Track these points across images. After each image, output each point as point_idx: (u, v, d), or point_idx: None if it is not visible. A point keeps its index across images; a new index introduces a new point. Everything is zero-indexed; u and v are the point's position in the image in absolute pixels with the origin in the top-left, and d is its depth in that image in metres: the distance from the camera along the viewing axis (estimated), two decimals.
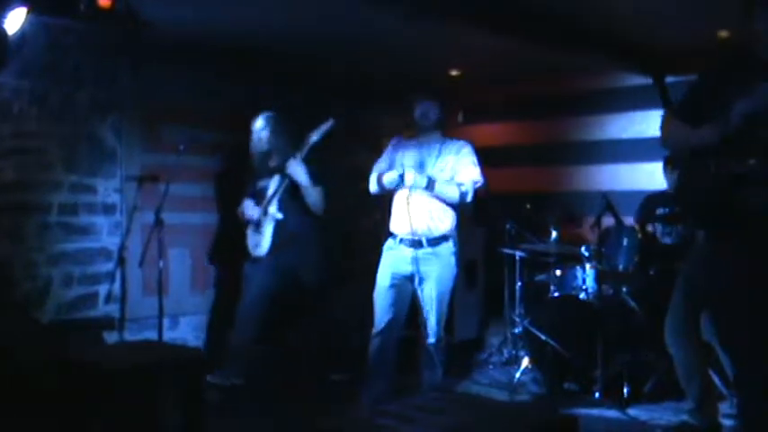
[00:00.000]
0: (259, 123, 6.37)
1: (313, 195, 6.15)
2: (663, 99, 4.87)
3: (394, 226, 5.45)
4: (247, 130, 6.44)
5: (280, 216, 6.13)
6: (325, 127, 5.97)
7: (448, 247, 5.39)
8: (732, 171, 3.76)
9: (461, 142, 5.49)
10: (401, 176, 5.28)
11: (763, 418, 3.97)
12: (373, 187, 5.51)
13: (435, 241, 5.32)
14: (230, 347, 6.23)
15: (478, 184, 5.43)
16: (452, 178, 5.35)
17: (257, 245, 6.24)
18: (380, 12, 5.56)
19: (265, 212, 6.20)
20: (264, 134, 6.34)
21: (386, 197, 5.56)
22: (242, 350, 6.17)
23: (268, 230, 6.18)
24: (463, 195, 5.35)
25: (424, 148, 5.45)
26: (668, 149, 4.89)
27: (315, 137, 5.98)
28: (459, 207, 5.45)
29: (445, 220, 5.36)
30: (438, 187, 5.27)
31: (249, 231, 6.37)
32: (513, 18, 5.89)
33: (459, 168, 5.37)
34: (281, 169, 6.16)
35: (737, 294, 3.99)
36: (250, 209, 6.35)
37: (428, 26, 6.10)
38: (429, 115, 5.44)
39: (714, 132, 3.84)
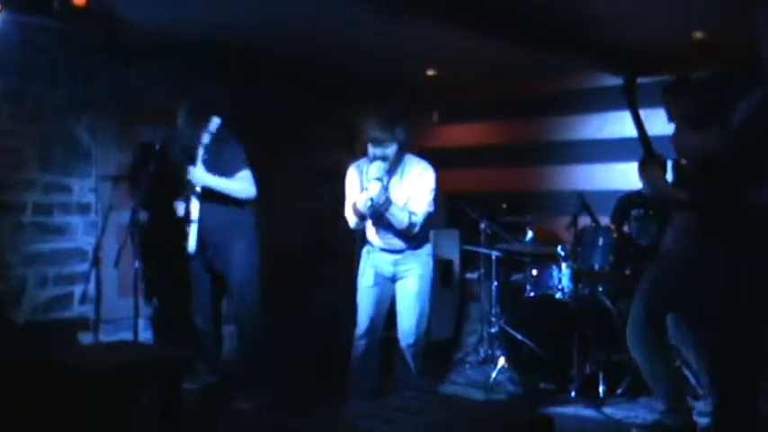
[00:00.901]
0: (184, 115, 5.86)
1: (232, 187, 5.81)
2: (628, 100, 4.87)
3: (372, 238, 5.43)
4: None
5: (195, 217, 5.82)
6: (211, 127, 5.70)
7: (426, 249, 5.42)
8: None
9: (424, 165, 5.32)
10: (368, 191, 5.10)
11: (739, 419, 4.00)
12: (351, 220, 5.33)
13: (415, 246, 5.34)
14: (200, 346, 6.19)
15: (430, 215, 5.31)
16: (406, 203, 5.24)
17: (188, 243, 5.91)
18: (357, 11, 5.56)
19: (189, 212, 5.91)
20: (184, 127, 5.87)
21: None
22: (210, 347, 6.14)
23: (192, 231, 5.85)
24: (411, 226, 5.19)
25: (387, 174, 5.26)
26: (653, 195, 4.94)
27: (205, 140, 5.71)
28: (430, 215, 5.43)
29: (421, 237, 5.35)
30: (392, 209, 5.11)
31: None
32: (488, 18, 5.91)
33: (415, 195, 5.24)
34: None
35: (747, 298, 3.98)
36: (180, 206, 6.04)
37: (405, 26, 6.10)
38: (387, 157, 5.12)
39: (715, 138, 3.83)
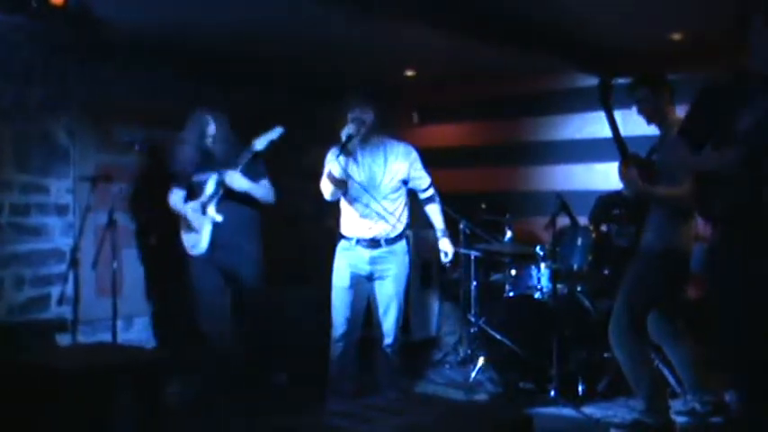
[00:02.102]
0: (203, 121, 6.01)
1: (259, 192, 5.99)
2: (603, 101, 4.89)
3: (349, 230, 5.44)
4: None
5: (219, 219, 5.90)
6: (271, 135, 5.85)
7: (402, 246, 5.44)
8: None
9: (405, 146, 5.48)
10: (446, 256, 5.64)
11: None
12: (327, 190, 5.33)
13: (392, 240, 5.35)
14: (202, 351, 6.17)
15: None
16: (405, 182, 5.41)
17: (194, 245, 6.01)
18: (335, 11, 5.56)
19: (203, 212, 5.96)
20: (210, 132, 6.02)
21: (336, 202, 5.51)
22: (213, 353, 6.12)
23: (206, 231, 5.93)
24: (439, 202, 5.63)
25: (367, 154, 5.36)
26: (632, 195, 4.97)
27: (258, 146, 5.83)
28: (411, 207, 5.51)
29: (401, 222, 5.39)
30: (446, 233, 5.65)
31: (183, 229, 6.11)
32: (467, 18, 5.91)
33: (416, 175, 5.47)
34: (221, 174, 5.92)
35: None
36: (180, 203, 6.10)
37: (383, 26, 6.10)
38: (364, 121, 5.22)
39: (733, 157, 3.79)
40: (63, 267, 6.41)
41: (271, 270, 6.25)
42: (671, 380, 5.66)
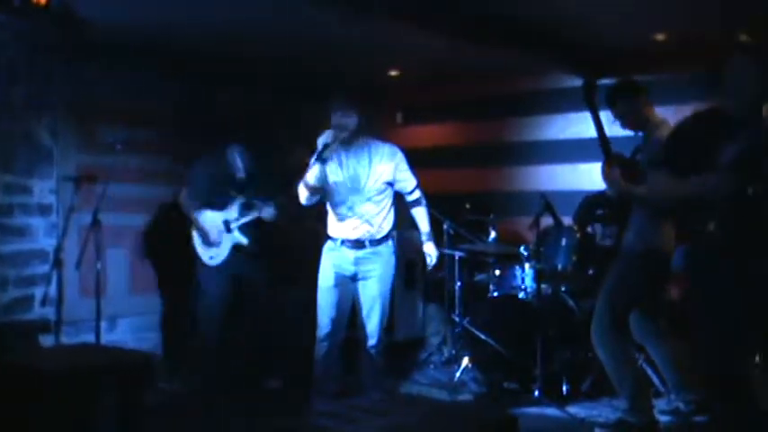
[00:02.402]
0: (236, 152, 6.48)
1: (272, 214, 6.37)
2: (588, 101, 4.92)
3: (334, 231, 5.44)
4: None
5: (244, 241, 6.33)
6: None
7: (388, 246, 5.42)
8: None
9: (390, 147, 5.46)
10: None
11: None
12: (303, 195, 5.35)
13: (377, 242, 5.34)
14: (199, 353, 6.31)
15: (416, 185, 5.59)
16: (390, 183, 5.40)
17: (212, 256, 6.35)
18: (320, 11, 5.55)
19: (228, 230, 6.33)
20: (240, 165, 6.48)
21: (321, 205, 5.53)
22: (210, 355, 6.28)
23: (226, 245, 6.33)
24: (425, 204, 5.62)
25: (351, 156, 5.35)
26: (616, 195, 5.00)
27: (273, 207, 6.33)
28: (396, 208, 5.50)
29: (386, 224, 5.39)
30: (432, 237, 5.64)
31: (199, 239, 6.41)
32: (451, 18, 5.92)
33: (401, 177, 5.46)
34: (249, 202, 6.37)
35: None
36: (208, 220, 6.39)
37: (367, 26, 6.09)
38: (347, 124, 5.23)
39: (715, 183, 3.83)
40: (46, 268, 6.38)
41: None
42: (654, 379, 5.68)
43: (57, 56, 6.57)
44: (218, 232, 6.33)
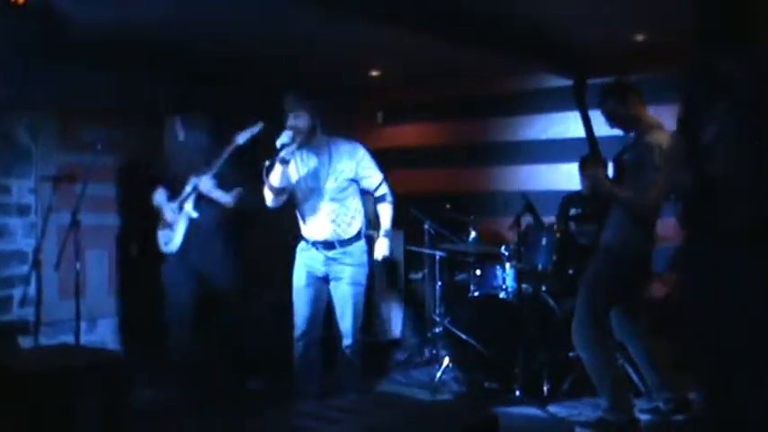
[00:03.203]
0: (176, 125, 6.18)
1: (228, 202, 6.09)
2: (578, 101, 4.95)
3: (304, 232, 5.41)
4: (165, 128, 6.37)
5: (195, 215, 6.01)
6: (251, 131, 5.81)
7: (360, 246, 5.37)
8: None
9: (351, 144, 5.39)
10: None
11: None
12: (268, 198, 5.30)
13: (347, 242, 5.30)
14: (170, 354, 6.16)
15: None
16: (354, 181, 5.33)
17: (167, 241, 6.12)
18: (302, 11, 5.54)
19: (180, 208, 6.05)
20: (182, 135, 6.17)
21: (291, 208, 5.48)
22: (180, 356, 6.12)
23: (181, 227, 6.05)
24: (392, 201, 5.50)
25: (312, 156, 5.31)
26: (592, 193, 5.02)
27: (240, 140, 5.83)
28: (367, 208, 5.49)
29: (355, 223, 5.35)
30: (390, 234, 5.50)
31: (160, 226, 6.21)
32: (433, 18, 5.91)
33: (364, 174, 5.36)
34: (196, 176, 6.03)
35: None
36: (162, 199, 6.20)
37: (349, 26, 6.09)
38: (298, 126, 5.15)
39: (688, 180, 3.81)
40: (25, 269, 6.36)
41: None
42: (635, 378, 5.70)
43: (36, 55, 6.53)
44: (173, 212, 6.11)
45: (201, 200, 6.03)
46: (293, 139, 5.07)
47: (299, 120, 5.13)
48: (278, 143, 5.06)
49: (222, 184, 6.04)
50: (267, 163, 5.12)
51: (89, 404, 4.26)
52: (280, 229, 5.79)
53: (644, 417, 5.22)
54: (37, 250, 6.17)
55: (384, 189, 5.46)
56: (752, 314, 3.65)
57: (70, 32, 5.72)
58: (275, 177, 5.15)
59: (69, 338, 6.17)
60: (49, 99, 6.67)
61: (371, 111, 9.39)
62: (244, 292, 6.36)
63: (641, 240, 5.07)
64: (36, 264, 6.10)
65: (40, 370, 4.30)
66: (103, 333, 7.09)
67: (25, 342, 6.13)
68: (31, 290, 6.17)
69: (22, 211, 6.55)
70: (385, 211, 5.51)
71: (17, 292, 6.41)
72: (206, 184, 5.96)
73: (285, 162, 5.12)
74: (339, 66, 7.68)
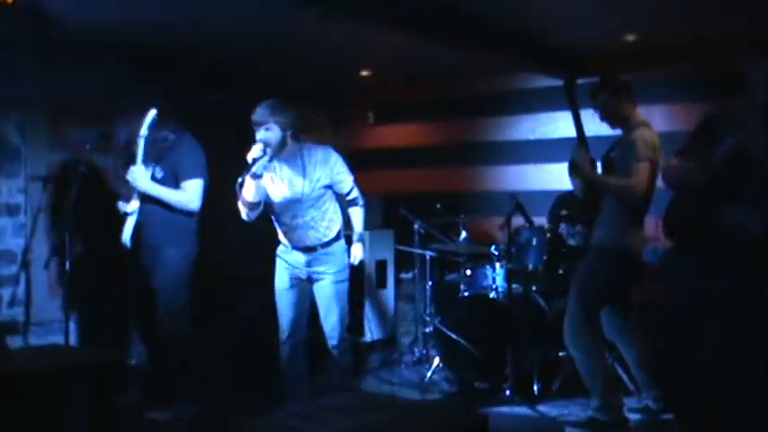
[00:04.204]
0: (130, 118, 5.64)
1: (173, 199, 5.58)
2: (569, 100, 4.99)
3: (283, 238, 5.38)
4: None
5: (128, 210, 5.60)
6: (147, 120, 5.45)
7: (340, 245, 5.34)
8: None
9: (324, 150, 5.28)
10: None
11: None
12: (242, 212, 5.17)
13: (328, 243, 5.26)
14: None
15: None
16: (329, 186, 5.26)
17: (124, 234, 5.67)
18: (292, 11, 5.54)
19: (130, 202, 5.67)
20: (121, 128, 6.01)
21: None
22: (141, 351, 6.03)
23: (128, 224, 5.63)
24: (363, 206, 5.47)
25: (285, 167, 5.20)
26: (582, 187, 5.07)
27: (142, 132, 5.45)
28: (345, 211, 5.46)
29: (333, 225, 5.31)
30: (363, 238, 5.50)
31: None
32: (423, 19, 5.91)
33: (338, 179, 5.28)
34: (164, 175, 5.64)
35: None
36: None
37: (338, 26, 6.08)
38: (268, 138, 5.02)
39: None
40: (14, 269, 6.33)
41: (217, 271, 6.21)
42: (625, 378, 5.72)
43: (26, 54, 6.52)
44: (123, 209, 5.66)
45: (146, 202, 5.61)
46: (265, 152, 4.99)
47: (269, 132, 5.03)
48: (249, 158, 4.94)
49: (167, 178, 5.63)
50: (239, 180, 5.01)
51: (78, 404, 4.25)
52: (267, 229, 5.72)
53: (633, 416, 5.24)
54: (26, 250, 6.15)
55: (355, 192, 5.42)
56: (733, 321, 3.70)
57: (60, 31, 5.71)
58: (249, 192, 5.03)
59: (59, 338, 6.15)
60: (40, 98, 6.64)
61: (362, 111, 9.38)
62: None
63: (632, 240, 5.09)
64: (25, 264, 6.08)
65: (29, 370, 4.28)
66: None
67: (14, 342, 6.10)
68: (21, 290, 6.15)
69: (12, 210, 6.51)
70: (357, 215, 5.48)
71: (6, 293, 6.38)
72: (136, 176, 5.50)
73: (257, 177, 5.00)
74: (329, 66, 7.68)
